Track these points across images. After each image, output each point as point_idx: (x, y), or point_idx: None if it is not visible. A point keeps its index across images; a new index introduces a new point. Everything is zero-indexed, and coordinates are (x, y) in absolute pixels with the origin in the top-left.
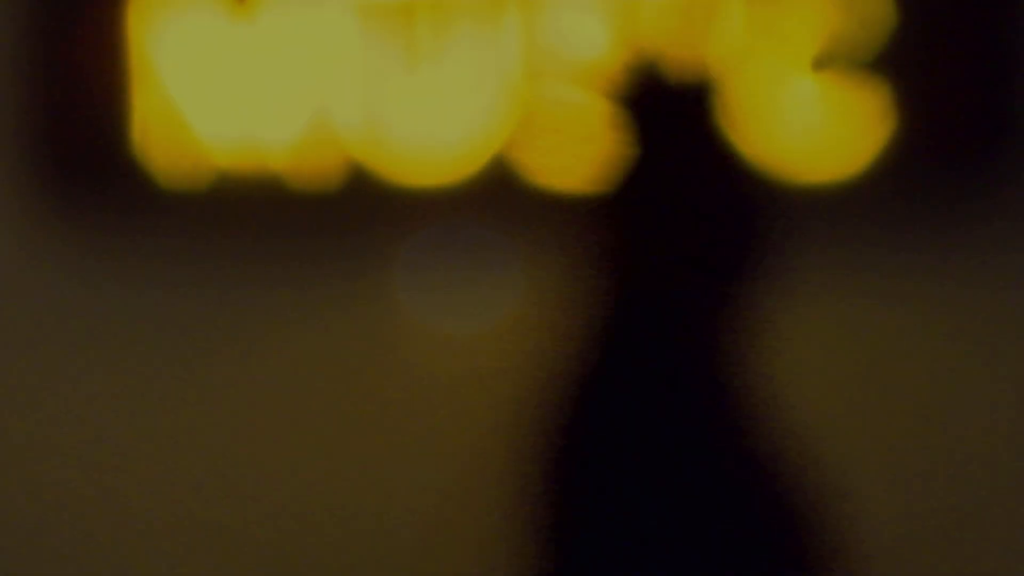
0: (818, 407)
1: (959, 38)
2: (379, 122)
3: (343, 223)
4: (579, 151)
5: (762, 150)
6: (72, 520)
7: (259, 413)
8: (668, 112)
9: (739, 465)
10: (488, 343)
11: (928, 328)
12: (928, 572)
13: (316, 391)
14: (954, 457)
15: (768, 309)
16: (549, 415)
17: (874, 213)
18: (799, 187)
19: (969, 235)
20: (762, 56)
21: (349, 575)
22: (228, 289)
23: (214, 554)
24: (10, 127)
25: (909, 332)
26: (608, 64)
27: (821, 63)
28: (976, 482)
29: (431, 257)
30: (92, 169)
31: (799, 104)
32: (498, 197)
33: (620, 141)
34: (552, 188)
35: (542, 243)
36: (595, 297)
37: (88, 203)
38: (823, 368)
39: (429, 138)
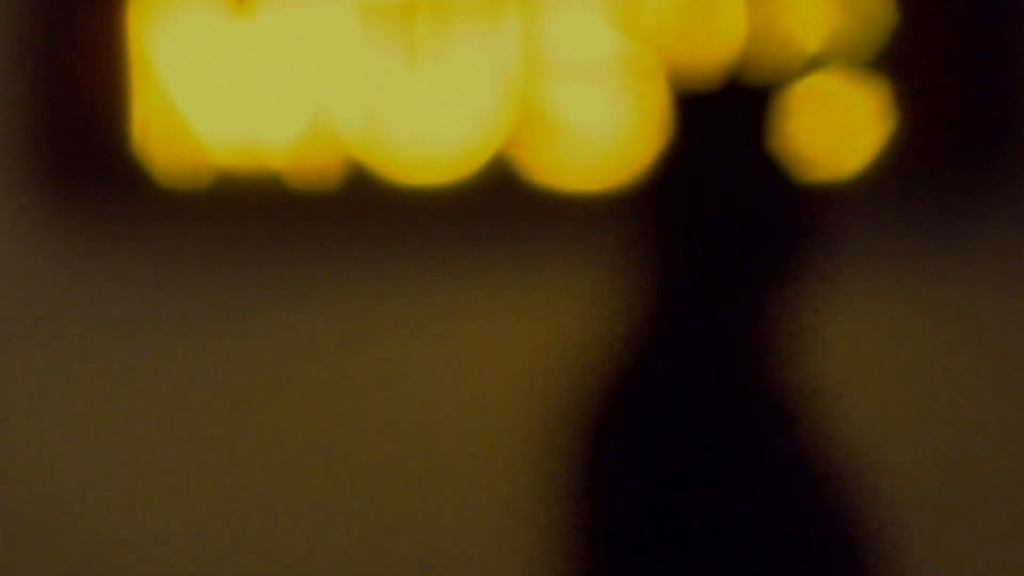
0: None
1: (959, 38)
2: (379, 122)
3: (343, 223)
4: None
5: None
6: (72, 519)
7: (259, 412)
8: (716, 110)
9: (775, 466)
10: (489, 342)
11: (928, 328)
12: (970, 572)
13: (316, 390)
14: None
15: (807, 308)
16: (578, 417)
17: (873, 213)
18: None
19: (969, 235)
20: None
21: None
22: (228, 289)
23: (215, 555)
24: (10, 127)
25: (908, 332)
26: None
27: (821, 63)
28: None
29: (431, 256)
30: (92, 169)
31: (799, 103)
32: (498, 197)
33: (666, 137)
34: (553, 187)
35: (547, 242)
36: (631, 295)
37: (88, 203)
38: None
39: (429, 138)
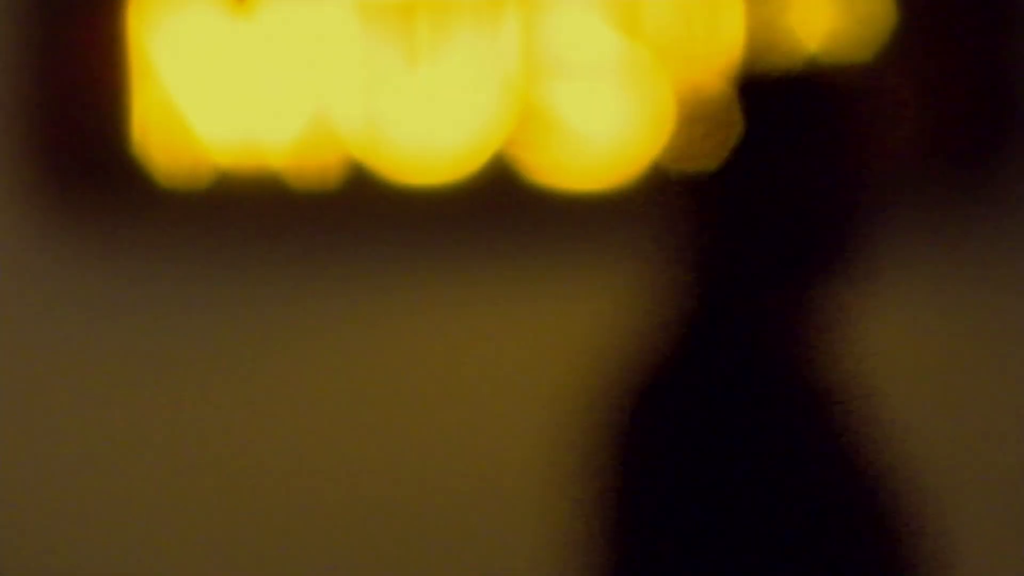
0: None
1: (959, 38)
2: (379, 122)
3: (343, 223)
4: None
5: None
6: (72, 518)
7: (259, 412)
8: (774, 100)
9: (822, 464)
10: (489, 342)
11: (927, 328)
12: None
13: (315, 390)
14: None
15: (849, 305)
16: (600, 415)
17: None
18: None
19: (969, 235)
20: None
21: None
22: (228, 288)
23: (218, 557)
24: (10, 127)
25: (906, 332)
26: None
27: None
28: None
29: (431, 256)
30: (92, 169)
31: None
32: (498, 197)
33: (726, 128)
34: (553, 187)
35: (547, 242)
36: (667, 290)
37: (88, 203)
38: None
39: (429, 138)
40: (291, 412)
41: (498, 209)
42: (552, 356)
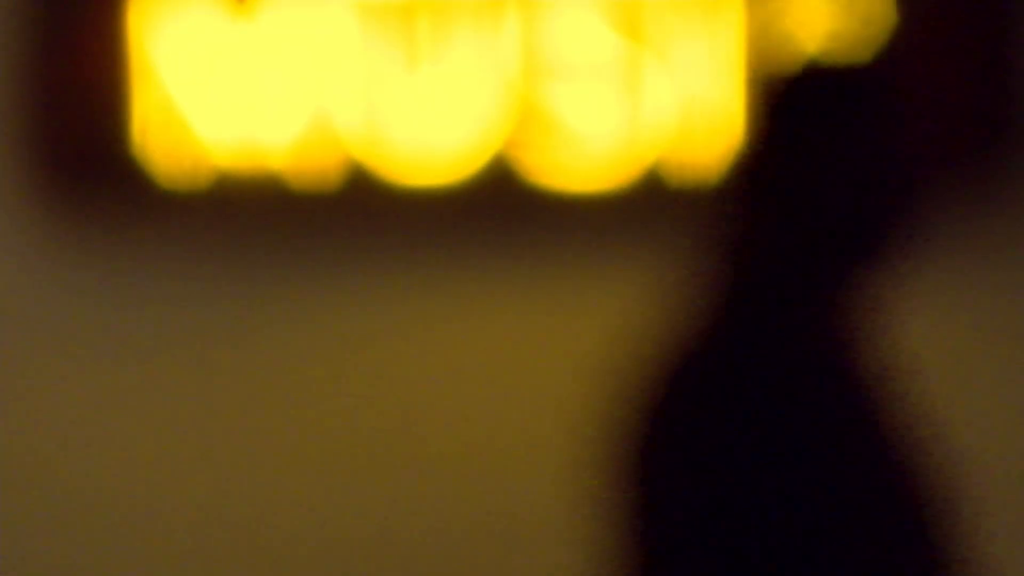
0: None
1: (959, 38)
2: (379, 123)
3: (343, 223)
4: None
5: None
6: (72, 518)
7: (259, 412)
8: (808, 99)
9: (858, 460)
10: (489, 342)
11: (926, 329)
12: None
13: (315, 390)
14: None
15: (885, 298)
16: (627, 415)
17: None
18: None
19: (969, 235)
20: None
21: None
22: (228, 289)
23: (219, 556)
24: (10, 127)
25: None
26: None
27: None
28: None
29: (431, 257)
30: (92, 169)
31: None
32: (498, 198)
33: (755, 126)
34: (553, 188)
35: (546, 243)
36: (703, 285)
37: (88, 203)
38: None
39: (429, 139)
40: (291, 412)
41: (498, 210)
42: (552, 357)
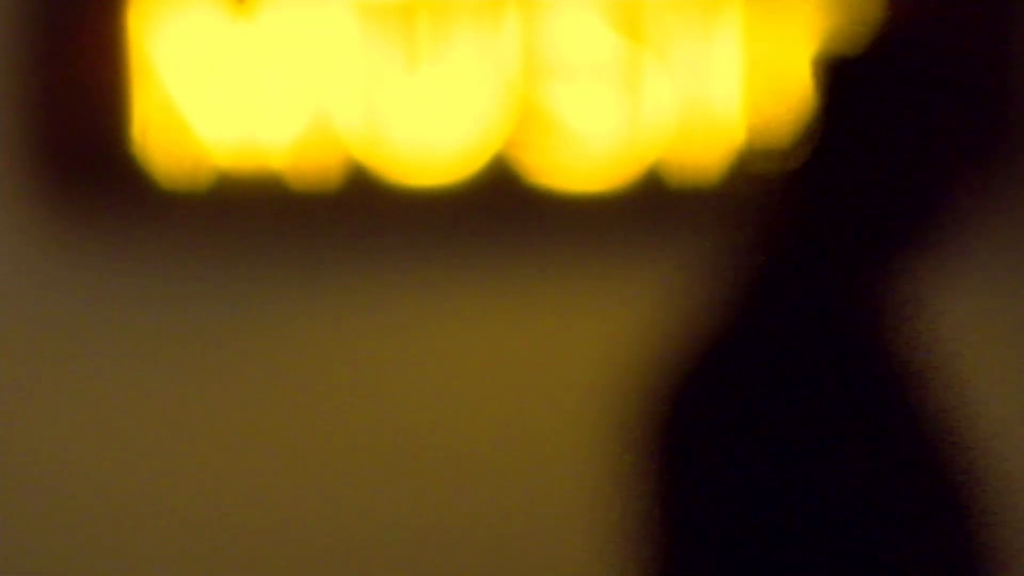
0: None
1: (959, 38)
2: (379, 123)
3: (343, 224)
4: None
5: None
6: (71, 518)
7: (260, 412)
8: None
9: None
10: (488, 343)
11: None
12: None
13: (315, 390)
14: None
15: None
16: (648, 416)
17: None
18: None
19: (969, 235)
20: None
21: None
22: (228, 289)
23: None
24: (10, 127)
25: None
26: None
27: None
28: None
29: (431, 258)
30: (92, 169)
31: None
32: (498, 198)
33: (808, 116)
34: (553, 189)
35: (547, 244)
36: (737, 280)
37: (88, 203)
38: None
39: (429, 139)
40: (292, 412)
41: (498, 210)
42: (552, 357)
